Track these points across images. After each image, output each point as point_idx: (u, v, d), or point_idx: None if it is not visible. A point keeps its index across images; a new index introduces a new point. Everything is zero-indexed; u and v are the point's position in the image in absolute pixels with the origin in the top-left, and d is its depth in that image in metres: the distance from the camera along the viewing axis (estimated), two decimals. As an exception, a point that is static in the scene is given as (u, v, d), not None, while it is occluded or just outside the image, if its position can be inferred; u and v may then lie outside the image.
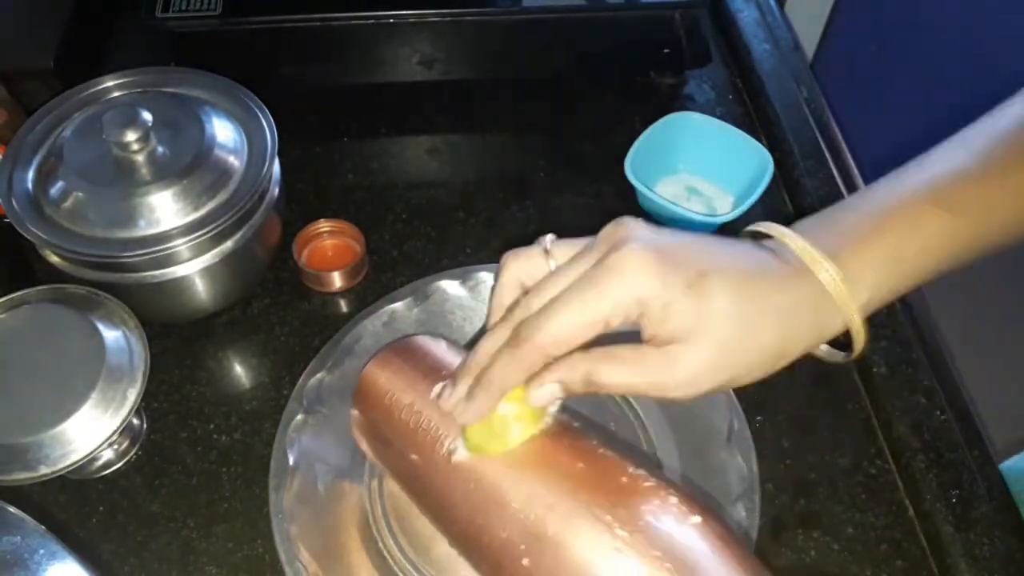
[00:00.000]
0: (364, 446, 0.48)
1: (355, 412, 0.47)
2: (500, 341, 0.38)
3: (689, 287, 0.35)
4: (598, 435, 0.41)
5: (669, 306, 0.35)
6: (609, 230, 0.37)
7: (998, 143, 0.39)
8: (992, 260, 0.39)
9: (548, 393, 0.37)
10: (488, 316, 0.41)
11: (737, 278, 0.36)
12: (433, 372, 0.43)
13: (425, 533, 0.50)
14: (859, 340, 0.38)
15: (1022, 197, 0.38)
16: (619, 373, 0.36)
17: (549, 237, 0.39)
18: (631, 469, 0.38)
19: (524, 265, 0.39)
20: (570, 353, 0.36)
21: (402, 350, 0.46)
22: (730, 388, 0.37)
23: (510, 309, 0.38)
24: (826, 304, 0.36)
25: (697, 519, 0.35)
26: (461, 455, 0.40)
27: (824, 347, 0.40)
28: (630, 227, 0.37)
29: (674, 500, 0.36)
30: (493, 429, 0.39)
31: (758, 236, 0.39)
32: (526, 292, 0.38)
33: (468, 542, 0.41)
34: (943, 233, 0.37)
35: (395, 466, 0.46)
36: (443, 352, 0.46)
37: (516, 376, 0.37)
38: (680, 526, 0.35)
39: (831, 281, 0.36)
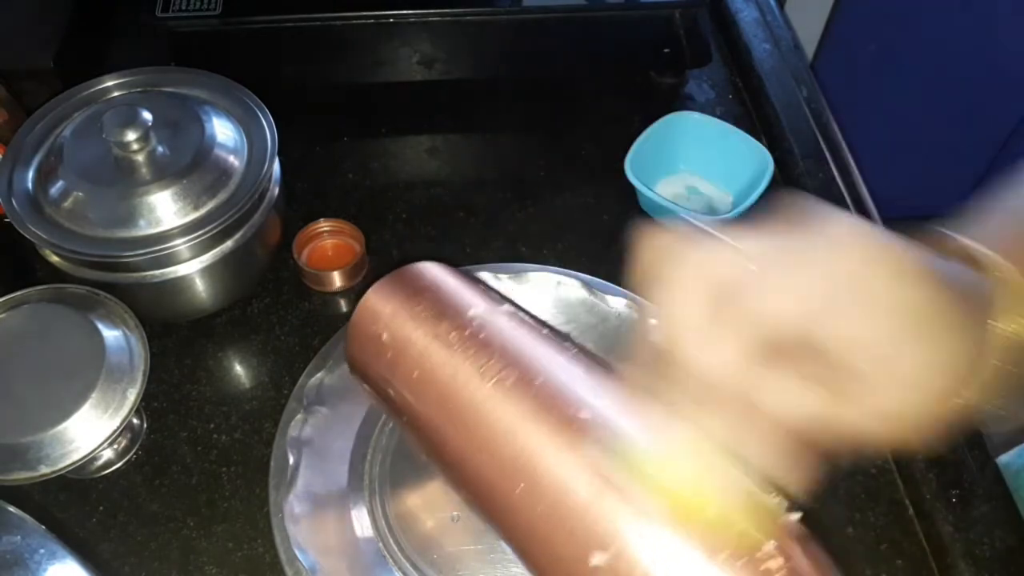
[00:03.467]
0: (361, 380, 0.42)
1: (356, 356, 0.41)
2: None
3: (895, 267, 0.30)
4: None
5: (875, 288, 0.29)
6: (805, 214, 0.31)
7: None
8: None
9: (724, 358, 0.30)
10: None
11: (933, 268, 0.31)
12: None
13: (425, 533, 0.50)
14: None
15: None
16: (807, 399, 0.30)
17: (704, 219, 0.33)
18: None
19: (711, 265, 0.31)
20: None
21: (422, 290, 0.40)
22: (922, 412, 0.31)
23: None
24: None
25: None
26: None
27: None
28: (826, 210, 0.31)
29: None
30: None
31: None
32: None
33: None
34: None
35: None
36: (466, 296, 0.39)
37: (727, 353, 0.30)
38: None
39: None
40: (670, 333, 0.31)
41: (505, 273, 0.59)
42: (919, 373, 0.30)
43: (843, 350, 0.30)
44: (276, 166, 0.60)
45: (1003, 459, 0.59)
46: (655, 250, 0.32)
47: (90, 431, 0.49)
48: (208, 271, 0.56)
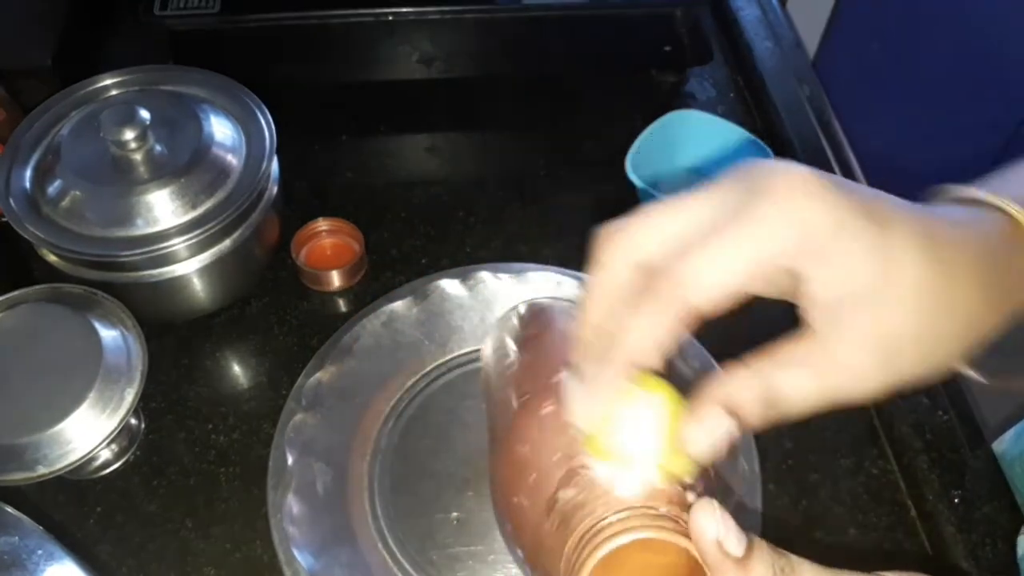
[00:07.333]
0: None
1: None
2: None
3: (870, 217, 0.26)
4: None
5: (845, 240, 0.26)
6: (746, 168, 0.28)
7: None
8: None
9: (717, 429, 0.28)
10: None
11: (923, 218, 0.27)
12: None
13: (425, 533, 0.50)
14: None
15: None
16: (804, 378, 0.27)
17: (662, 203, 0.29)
18: None
19: (637, 239, 0.29)
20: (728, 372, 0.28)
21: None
22: (911, 378, 0.29)
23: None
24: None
25: None
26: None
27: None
28: (776, 161, 0.28)
29: None
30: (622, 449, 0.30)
31: None
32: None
33: None
34: None
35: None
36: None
37: (649, 330, 0.27)
38: None
39: None
40: (589, 308, 0.30)
41: (505, 273, 0.58)
42: (898, 341, 0.27)
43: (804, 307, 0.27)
44: (274, 165, 0.60)
45: (999, 447, 0.58)
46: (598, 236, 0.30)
47: (88, 431, 0.49)
48: (206, 270, 0.56)
